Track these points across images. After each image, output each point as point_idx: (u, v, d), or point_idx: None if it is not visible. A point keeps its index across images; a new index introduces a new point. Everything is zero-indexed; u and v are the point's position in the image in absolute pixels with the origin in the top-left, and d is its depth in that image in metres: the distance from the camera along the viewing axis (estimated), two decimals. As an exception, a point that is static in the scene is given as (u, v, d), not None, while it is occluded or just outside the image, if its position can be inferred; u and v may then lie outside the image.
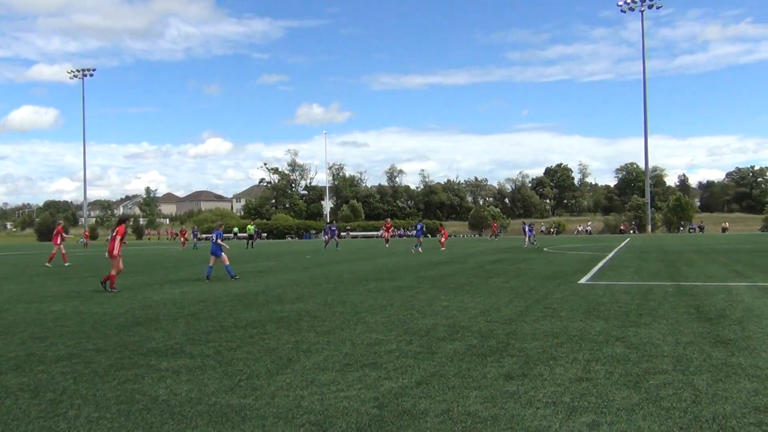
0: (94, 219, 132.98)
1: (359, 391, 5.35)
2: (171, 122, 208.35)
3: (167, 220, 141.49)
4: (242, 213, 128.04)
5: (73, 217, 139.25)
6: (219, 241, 16.86)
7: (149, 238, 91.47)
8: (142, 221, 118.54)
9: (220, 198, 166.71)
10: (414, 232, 44.40)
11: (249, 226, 56.26)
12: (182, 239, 53.31)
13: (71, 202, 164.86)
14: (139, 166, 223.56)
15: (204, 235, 69.30)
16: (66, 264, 25.64)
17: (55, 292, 14.29)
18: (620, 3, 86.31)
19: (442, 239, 38.99)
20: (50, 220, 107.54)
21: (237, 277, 16.95)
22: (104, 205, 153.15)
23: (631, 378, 5.61)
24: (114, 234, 14.83)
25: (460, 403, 4.94)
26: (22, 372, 6.28)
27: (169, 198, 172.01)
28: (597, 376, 5.71)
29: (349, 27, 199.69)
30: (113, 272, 14.33)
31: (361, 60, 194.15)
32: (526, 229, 43.85)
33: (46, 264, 25.25)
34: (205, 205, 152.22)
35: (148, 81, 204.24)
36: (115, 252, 14.38)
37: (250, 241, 51.26)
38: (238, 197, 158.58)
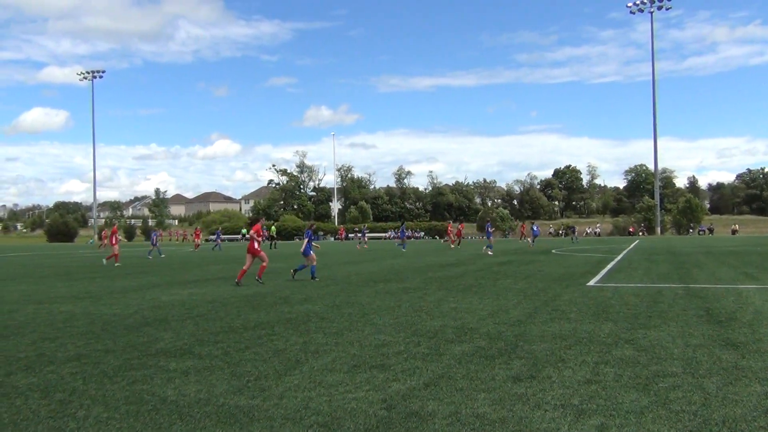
0: (103, 220, 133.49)
1: (367, 392, 5.34)
2: (180, 124, 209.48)
3: (176, 221, 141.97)
4: (251, 214, 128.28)
5: (82, 218, 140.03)
6: (310, 241, 17.12)
7: (103, 240, 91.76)
8: (151, 222, 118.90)
9: (228, 199, 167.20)
10: (399, 233, 46.24)
11: (272, 227, 56.94)
12: (196, 241, 51.92)
13: (81, 203, 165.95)
14: (148, 167, 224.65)
15: (224, 236, 69.33)
16: (116, 264, 26.02)
17: (65, 293, 14.36)
18: (629, 4, 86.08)
19: (447, 238, 39.34)
20: (60, 221, 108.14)
21: (317, 278, 16.89)
22: (114, 206, 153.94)
23: (640, 380, 5.58)
24: (251, 233, 15.99)
25: (469, 405, 4.93)
26: (32, 372, 6.31)
27: (178, 199, 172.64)
28: (606, 378, 5.69)
29: (357, 29, 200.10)
30: (264, 264, 15.97)
31: (368, 62, 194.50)
32: (535, 230, 44.37)
33: (116, 264, 25.89)
34: (213, 207, 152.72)
35: (157, 83, 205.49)
36: (257, 247, 15.80)
37: (273, 242, 51.95)
38: (246, 198, 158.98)
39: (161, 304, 11.93)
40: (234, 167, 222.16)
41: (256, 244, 15.80)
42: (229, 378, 5.93)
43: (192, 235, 57.14)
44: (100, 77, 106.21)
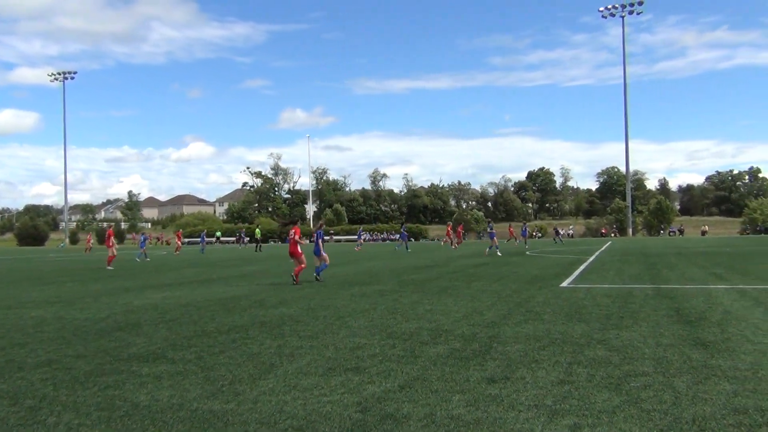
0: (75, 223, 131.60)
1: (342, 395, 5.34)
2: (153, 126, 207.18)
3: (149, 224, 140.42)
4: (225, 217, 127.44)
5: (53, 221, 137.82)
6: (320, 241, 17.34)
7: (133, 242, 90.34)
8: (123, 225, 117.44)
9: (202, 202, 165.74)
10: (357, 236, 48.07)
11: (257, 230, 57.04)
12: (178, 243, 50.95)
13: (52, 207, 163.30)
14: (120, 170, 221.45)
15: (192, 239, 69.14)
16: (108, 267, 25.85)
17: (35, 298, 14.13)
18: (601, 8, 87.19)
19: (446, 239, 39.82)
20: (30, 224, 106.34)
21: (321, 280, 16.87)
22: (86, 210, 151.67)
23: (612, 380, 5.65)
24: (293, 236, 16.53)
25: (443, 407, 4.95)
26: (1, 379, 6.20)
27: (151, 202, 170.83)
28: (579, 378, 5.75)
29: (332, 31, 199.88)
30: (303, 266, 16.29)
31: (344, 64, 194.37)
32: (526, 231, 45.10)
33: (108, 267, 25.85)
34: (187, 209, 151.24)
35: (130, 84, 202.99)
36: (300, 250, 16.39)
37: (258, 245, 52.61)
38: (220, 201, 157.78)
39: (134, 308, 11.80)
40: (208, 170, 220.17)
41: (298, 247, 16.39)
42: (202, 382, 5.88)
43: (174, 237, 56.11)
44: (72, 78, 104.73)
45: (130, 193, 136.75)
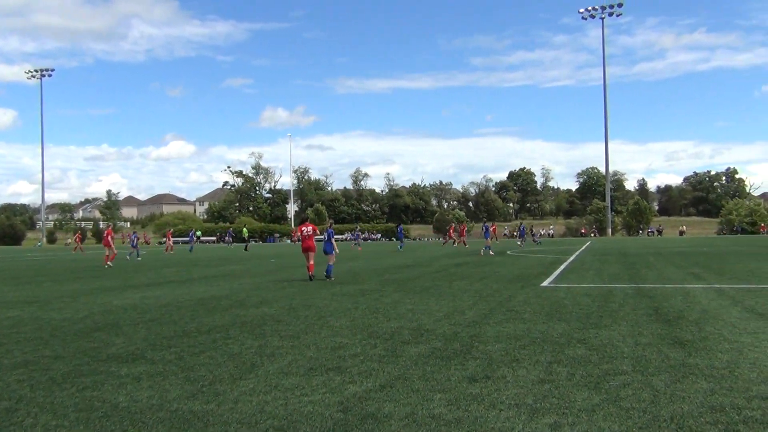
0: (52, 222, 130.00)
1: (323, 395, 5.33)
2: (132, 124, 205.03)
3: (128, 223, 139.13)
4: (205, 216, 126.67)
5: (30, 220, 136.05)
6: (332, 240, 17.71)
7: (76, 243, 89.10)
8: (102, 225, 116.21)
9: (182, 201, 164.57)
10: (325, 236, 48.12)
11: (244, 229, 57.27)
12: (168, 243, 50.33)
13: (29, 205, 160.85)
14: (99, 168, 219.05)
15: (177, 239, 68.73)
16: (107, 265, 25.99)
17: (12, 298, 13.94)
18: (581, 10, 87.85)
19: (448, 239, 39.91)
20: (6, 223, 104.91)
21: (333, 278, 17.19)
22: (64, 209, 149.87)
23: (591, 379, 5.70)
24: (310, 232, 17.49)
25: (424, 406, 4.96)
26: (-24, 380, 6.11)
27: (131, 201, 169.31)
28: (559, 377, 5.79)
29: (314, 30, 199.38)
30: (312, 262, 17.20)
31: (325, 63, 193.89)
32: (523, 230, 45.28)
33: (109, 263, 26.25)
34: (167, 209, 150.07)
35: (109, 82, 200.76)
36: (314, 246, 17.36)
37: (246, 243, 53.13)
38: (201, 200, 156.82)
39: (113, 308, 11.68)
40: (188, 168, 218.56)
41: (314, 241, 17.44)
42: (182, 383, 5.84)
43: (164, 237, 55.65)
44: (49, 76, 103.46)
45: (108, 192, 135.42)
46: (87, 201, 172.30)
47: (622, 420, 4.55)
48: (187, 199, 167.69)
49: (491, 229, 36.94)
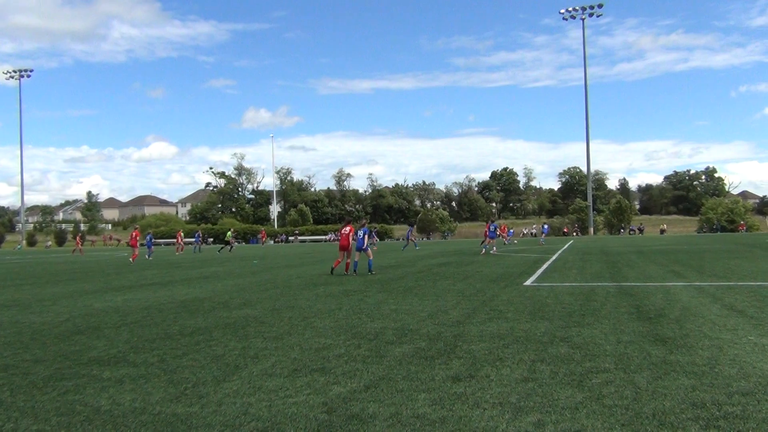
0: (32, 225, 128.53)
1: (308, 396, 5.32)
2: (113, 126, 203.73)
3: (109, 225, 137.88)
4: (188, 218, 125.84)
5: (9, 222, 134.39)
6: (367, 237, 19.21)
7: (93, 244, 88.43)
8: (83, 227, 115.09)
9: (164, 203, 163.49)
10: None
11: (228, 233, 58.18)
12: (180, 243, 51.26)
13: (8, 208, 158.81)
14: (79, 170, 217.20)
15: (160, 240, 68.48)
16: (131, 262, 29.57)
17: (-10, 301, 13.76)
18: (562, 11, 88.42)
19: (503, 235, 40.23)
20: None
21: (375, 273, 18.97)
22: (44, 211, 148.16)
23: (574, 377, 5.73)
24: (347, 232, 19.19)
25: (409, 406, 4.96)
26: (-45, 385, 6.02)
27: (112, 203, 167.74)
28: (542, 376, 5.82)
29: (295, 31, 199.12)
30: (340, 259, 19.40)
31: (307, 64, 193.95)
32: (544, 229, 44.95)
33: (132, 260, 30.47)
34: (149, 210, 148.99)
35: (89, 83, 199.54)
36: (349, 244, 19.05)
37: (231, 246, 53.76)
38: (183, 202, 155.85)
39: (94, 311, 11.57)
40: (170, 170, 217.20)
41: (349, 241, 19.03)
42: (165, 386, 5.80)
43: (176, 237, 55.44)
44: (28, 76, 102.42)
45: (89, 193, 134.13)
46: (67, 203, 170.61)
47: (604, 417, 4.59)
48: (169, 200, 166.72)
49: (502, 228, 37.39)
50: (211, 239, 74.15)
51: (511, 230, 35.55)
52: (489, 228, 33.80)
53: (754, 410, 4.67)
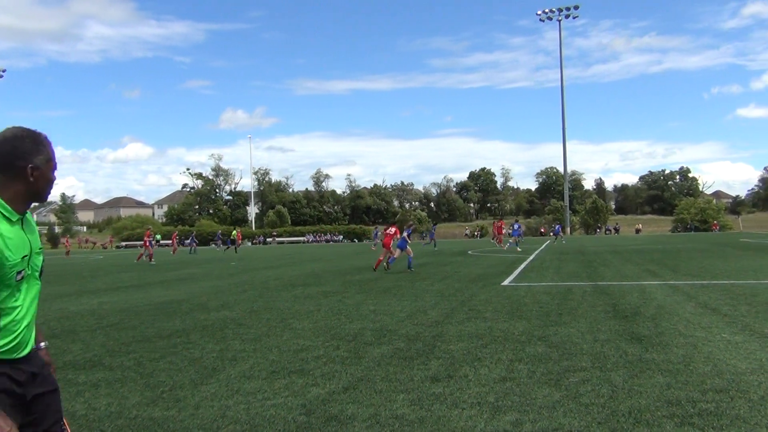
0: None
1: (286, 398, 5.30)
2: (89, 127, 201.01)
3: (84, 227, 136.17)
4: (164, 219, 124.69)
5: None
6: (406, 236, 20.95)
7: (66, 247, 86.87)
8: (57, 229, 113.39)
9: (141, 204, 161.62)
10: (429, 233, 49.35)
11: (233, 232, 59.15)
12: (174, 245, 51.77)
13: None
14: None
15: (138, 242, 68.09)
16: (152, 263, 30.47)
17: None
18: (539, 12, 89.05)
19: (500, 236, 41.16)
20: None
21: (413, 269, 19.90)
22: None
23: (552, 376, 5.78)
24: (392, 232, 21.34)
25: (387, 407, 4.96)
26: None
27: (87, 204, 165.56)
28: (520, 375, 5.86)
29: (272, 31, 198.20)
30: (381, 257, 20.90)
31: (284, 65, 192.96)
32: (516, 231, 45.09)
33: (150, 261, 31.59)
34: (125, 212, 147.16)
35: (64, 84, 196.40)
36: (390, 247, 20.98)
37: (235, 246, 53.79)
38: (160, 203, 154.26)
39: (69, 314, 11.42)
40: (146, 171, 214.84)
41: (391, 241, 20.97)
42: (142, 389, 5.74)
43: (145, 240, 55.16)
44: (1, 77, 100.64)
45: (63, 195, 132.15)
46: (41, 205, 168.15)
47: (581, 416, 4.63)
48: (146, 201, 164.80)
49: (520, 228, 38.01)
50: (188, 240, 73.32)
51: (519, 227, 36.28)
52: (512, 226, 36.37)
53: (727, 407, 4.74)
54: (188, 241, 58.99)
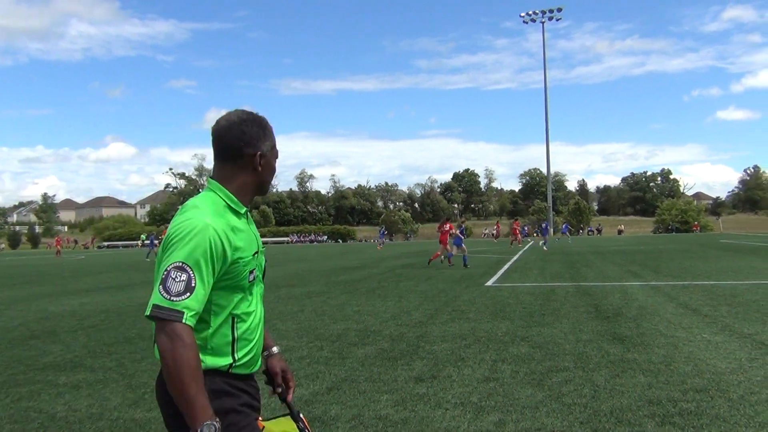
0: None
1: (269, 399, 5.26)
2: (70, 125, 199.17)
3: (66, 227, 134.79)
4: (147, 219, 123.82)
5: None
6: (459, 233, 22.63)
7: (47, 247, 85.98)
8: (38, 229, 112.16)
9: (123, 204, 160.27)
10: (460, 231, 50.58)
11: None
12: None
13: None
14: (35, 170, 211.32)
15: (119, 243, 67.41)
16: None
17: (-60, 306, 13.33)
18: (523, 14, 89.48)
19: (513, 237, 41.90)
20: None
21: (469, 266, 20.90)
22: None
23: (535, 376, 5.81)
24: (447, 229, 22.02)
25: (371, 408, 4.96)
26: None
27: (68, 204, 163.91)
28: (503, 375, 5.88)
29: (257, 31, 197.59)
30: (439, 252, 22.42)
31: (270, 65, 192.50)
32: (545, 228, 45.17)
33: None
34: (106, 212, 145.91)
35: (46, 82, 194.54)
36: (447, 243, 21.86)
37: None
38: (142, 203, 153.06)
39: (50, 315, 11.30)
40: (128, 171, 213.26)
41: (447, 237, 21.81)
42: (123, 390, 5.70)
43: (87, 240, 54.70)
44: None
45: (44, 195, 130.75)
46: (21, 204, 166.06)
47: (564, 415, 4.65)
48: (128, 201, 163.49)
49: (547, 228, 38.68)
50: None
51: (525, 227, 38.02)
52: (540, 226, 37.51)
53: (707, 406, 4.79)
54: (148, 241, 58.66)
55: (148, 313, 1.91)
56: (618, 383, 5.50)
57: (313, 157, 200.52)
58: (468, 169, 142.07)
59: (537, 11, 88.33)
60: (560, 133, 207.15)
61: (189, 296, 1.88)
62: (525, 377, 5.79)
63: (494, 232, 42.39)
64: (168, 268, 1.90)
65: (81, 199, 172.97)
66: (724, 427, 4.35)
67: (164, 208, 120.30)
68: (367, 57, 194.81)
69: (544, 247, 36.62)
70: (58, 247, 56.21)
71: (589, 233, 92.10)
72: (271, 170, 2.22)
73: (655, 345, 7.13)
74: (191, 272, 1.90)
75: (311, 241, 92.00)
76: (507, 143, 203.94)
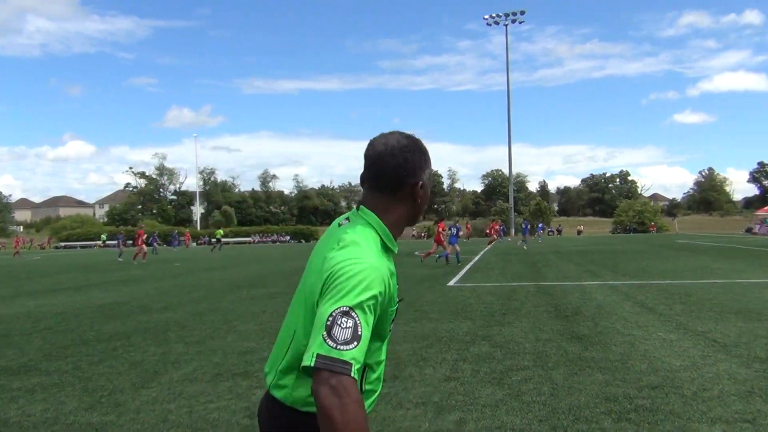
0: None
1: (230, 401, 5.23)
2: (27, 123, 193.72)
3: (21, 227, 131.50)
4: (106, 219, 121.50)
5: None
6: (455, 233, 24.03)
7: (2, 247, 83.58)
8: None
9: (81, 204, 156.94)
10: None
11: (219, 231, 60.80)
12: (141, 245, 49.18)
13: None
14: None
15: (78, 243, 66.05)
16: (135, 262, 30.24)
17: None
18: (486, 17, 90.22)
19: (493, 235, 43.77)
20: None
21: (460, 262, 22.08)
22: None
23: (495, 375, 5.87)
24: (439, 229, 23.36)
25: (333, 408, 4.95)
26: None
27: (24, 203, 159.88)
28: (464, 375, 5.93)
29: (219, 29, 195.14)
30: (432, 251, 23.29)
31: (232, 63, 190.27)
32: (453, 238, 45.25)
33: (141, 261, 31.27)
34: (64, 212, 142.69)
35: (1, 78, 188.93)
36: (442, 243, 22.79)
37: (219, 245, 54.86)
38: (101, 203, 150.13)
39: (3, 317, 11.01)
40: (87, 169, 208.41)
41: (441, 237, 22.78)
42: (80, 394, 5.59)
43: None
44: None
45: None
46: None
47: (523, 414, 4.72)
48: (86, 201, 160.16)
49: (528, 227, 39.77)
50: (130, 241, 70.97)
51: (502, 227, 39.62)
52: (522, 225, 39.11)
53: (662, 403, 4.91)
54: (151, 240, 57.95)
55: (311, 363, 1.63)
56: (576, 381, 5.59)
57: (275, 157, 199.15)
58: (431, 170, 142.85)
59: (500, 14, 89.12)
60: (522, 134, 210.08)
61: (356, 345, 1.66)
62: (485, 376, 5.85)
63: (462, 232, 42.63)
64: (333, 313, 1.68)
65: (37, 199, 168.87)
66: (678, 422, 4.46)
67: (123, 208, 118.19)
68: (331, 57, 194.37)
69: (524, 246, 38.23)
70: (17, 247, 54.95)
71: (550, 234, 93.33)
72: (426, 201, 2.04)
73: (612, 343, 7.26)
74: (357, 319, 1.69)
75: (273, 242, 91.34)
76: (470, 144, 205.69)
